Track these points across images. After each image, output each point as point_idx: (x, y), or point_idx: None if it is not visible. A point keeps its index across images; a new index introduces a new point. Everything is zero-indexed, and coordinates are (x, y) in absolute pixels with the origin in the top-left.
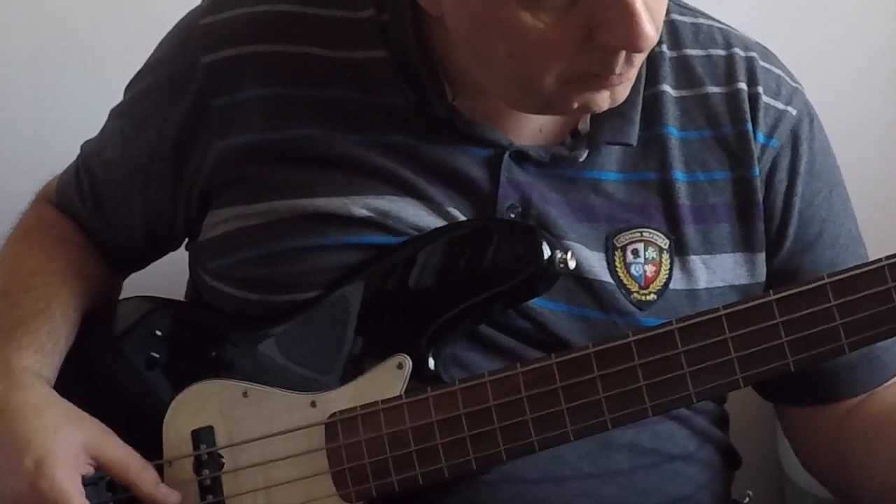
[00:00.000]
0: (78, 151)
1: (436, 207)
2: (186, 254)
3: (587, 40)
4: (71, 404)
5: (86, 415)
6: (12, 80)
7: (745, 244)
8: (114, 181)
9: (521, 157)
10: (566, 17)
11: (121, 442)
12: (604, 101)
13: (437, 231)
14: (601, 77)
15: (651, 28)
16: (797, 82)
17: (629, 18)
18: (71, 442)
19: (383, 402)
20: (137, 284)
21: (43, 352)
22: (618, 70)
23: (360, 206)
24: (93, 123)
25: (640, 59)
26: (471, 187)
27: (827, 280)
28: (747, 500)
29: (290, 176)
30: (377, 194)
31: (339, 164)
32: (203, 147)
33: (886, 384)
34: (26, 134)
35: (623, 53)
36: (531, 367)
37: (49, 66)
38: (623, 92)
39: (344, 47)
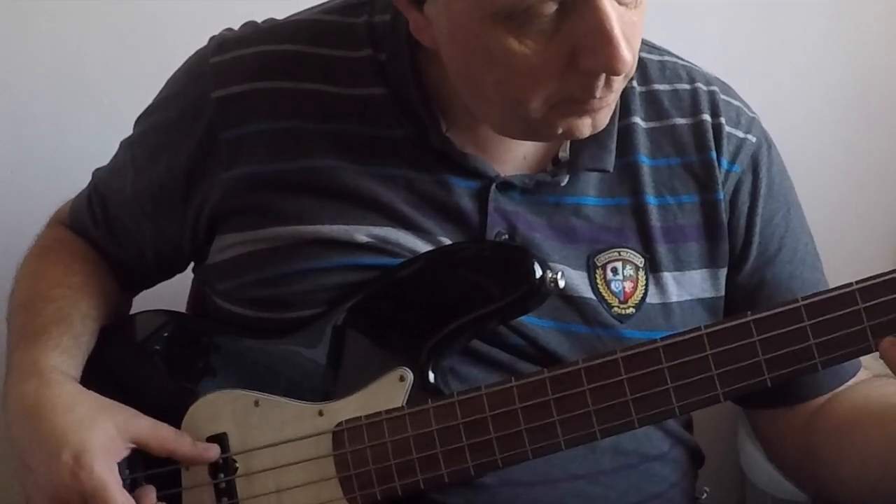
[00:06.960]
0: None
1: (430, 238)
2: (189, 274)
3: (570, 65)
4: (98, 395)
5: (114, 402)
6: (36, 114)
7: (711, 261)
8: (125, 208)
9: (506, 186)
10: (550, 44)
11: (149, 419)
12: (586, 127)
13: (435, 251)
14: (583, 102)
15: (628, 53)
16: (754, 112)
17: (608, 44)
18: (105, 433)
19: (387, 412)
20: (143, 304)
21: (69, 353)
22: (598, 94)
23: (362, 233)
24: (109, 154)
25: (618, 84)
26: (461, 218)
27: (801, 302)
28: (704, 495)
29: (295, 204)
30: (377, 226)
31: (341, 194)
32: (211, 177)
33: (846, 384)
34: (48, 164)
35: (603, 77)
36: (525, 380)
37: (69, 103)
38: (603, 119)
39: (345, 84)
